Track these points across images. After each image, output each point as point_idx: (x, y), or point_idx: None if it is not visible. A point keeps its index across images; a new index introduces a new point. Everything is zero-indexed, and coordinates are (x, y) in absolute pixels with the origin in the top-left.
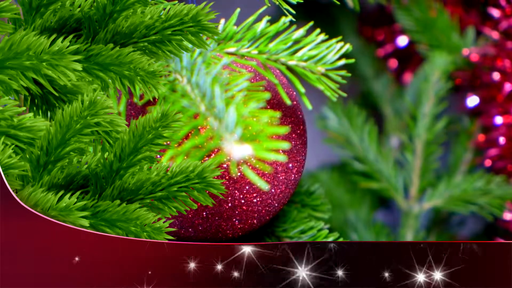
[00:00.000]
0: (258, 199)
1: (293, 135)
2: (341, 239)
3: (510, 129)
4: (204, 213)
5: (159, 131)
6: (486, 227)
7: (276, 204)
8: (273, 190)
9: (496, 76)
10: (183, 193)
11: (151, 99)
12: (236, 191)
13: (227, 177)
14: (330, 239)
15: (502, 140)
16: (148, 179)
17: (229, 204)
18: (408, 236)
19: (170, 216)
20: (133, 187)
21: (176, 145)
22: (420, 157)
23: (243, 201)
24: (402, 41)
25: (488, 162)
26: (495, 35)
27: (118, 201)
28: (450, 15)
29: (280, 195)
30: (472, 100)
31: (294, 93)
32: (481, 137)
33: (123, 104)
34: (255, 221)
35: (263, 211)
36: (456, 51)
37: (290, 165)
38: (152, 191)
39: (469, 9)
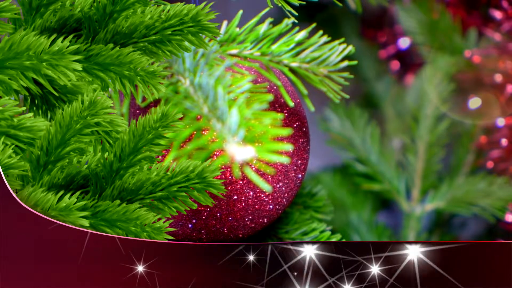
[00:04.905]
0: (269, 197)
1: (299, 132)
2: (343, 241)
3: None
4: (218, 214)
5: (159, 131)
6: (488, 229)
7: (285, 202)
8: (283, 188)
9: (498, 77)
10: (183, 193)
11: (152, 101)
12: (250, 191)
13: (241, 177)
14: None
15: (504, 141)
16: (148, 179)
17: (243, 204)
18: (410, 237)
19: (186, 219)
20: (133, 187)
21: (179, 147)
22: (422, 159)
23: (256, 200)
24: (404, 42)
25: (490, 164)
26: (497, 36)
27: (118, 201)
28: (452, 17)
29: (289, 192)
30: (474, 102)
31: (295, 91)
32: (483, 139)
33: (126, 106)
34: (265, 220)
35: (274, 209)
36: (458, 52)
37: (299, 162)
38: (152, 191)
39: (471, 11)
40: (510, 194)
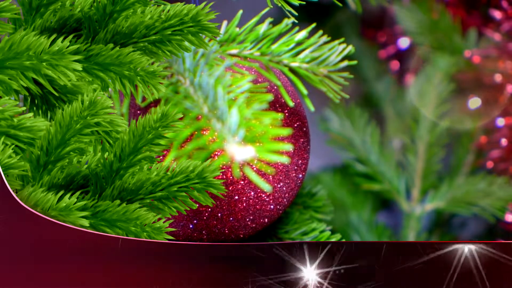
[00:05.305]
0: (270, 197)
1: (300, 132)
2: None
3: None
4: (219, 214)
5: (159, 131)
6: (488, 229)
7: (286, 202)
8: (284, 188)
9: (498, 77)
10: (183, 193)
11: (152, 101)
12: (251, 191)
13: (242, 177)
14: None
15: (504, 141)
16: (148, 179)
17: (244, 204)
18: (410, 237)
19: (187, 219)
20: (133, 187)
21: (179, 147)
22: (422, 159)
23: (257, 200)
24: (404, 42)
25: (490, 164)
26: (497, 37)
27: (118, 201)
28: (452, 17)
29: (290, 192)
30: (474, 102)
31: (295, 91)
32: (483, 139)
33: (126, 106)
34: (266, 220)
35: (275, 209)
36: (458, 53)
37: (300, 162)
38: (152, 191)
39: (471, 11)
40: (510, 194)
